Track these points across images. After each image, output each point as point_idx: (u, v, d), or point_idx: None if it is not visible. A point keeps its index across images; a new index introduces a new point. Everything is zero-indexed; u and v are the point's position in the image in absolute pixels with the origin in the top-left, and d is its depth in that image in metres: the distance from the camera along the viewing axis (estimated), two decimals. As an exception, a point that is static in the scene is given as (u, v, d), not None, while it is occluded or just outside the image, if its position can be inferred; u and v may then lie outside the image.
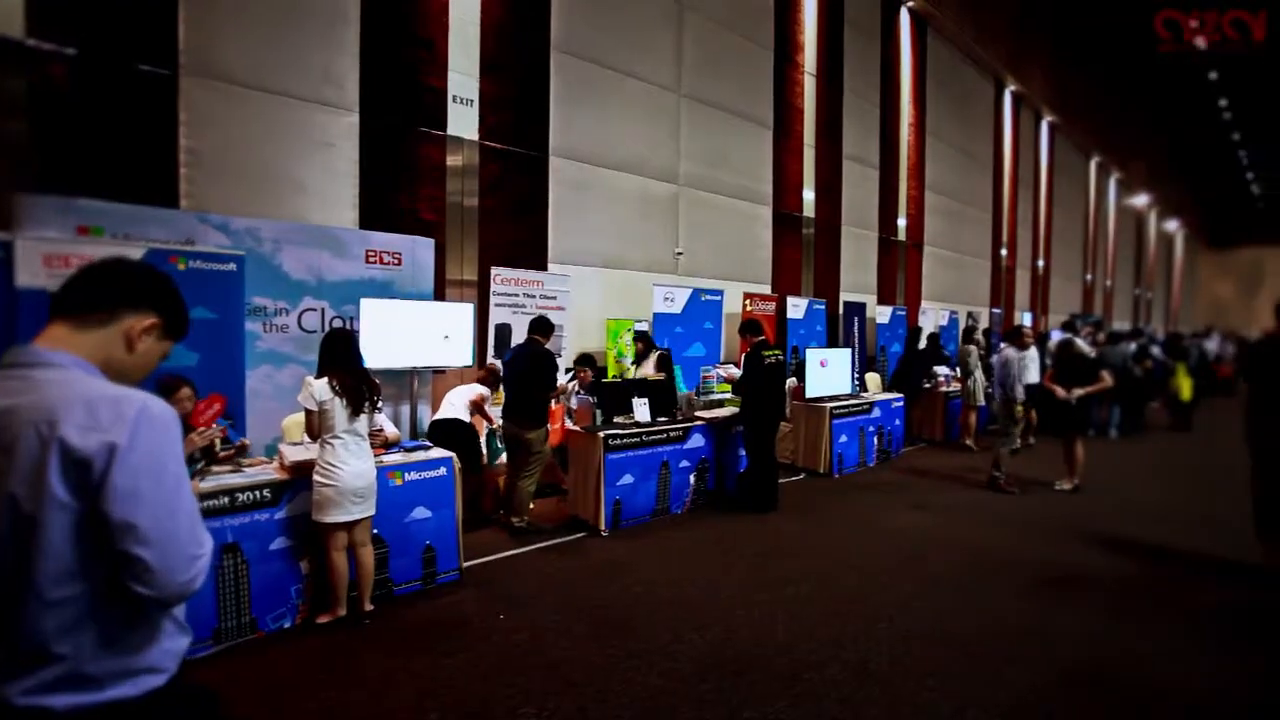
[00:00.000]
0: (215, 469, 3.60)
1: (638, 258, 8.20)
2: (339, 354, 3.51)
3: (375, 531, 3.75)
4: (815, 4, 11.02)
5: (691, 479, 5.89)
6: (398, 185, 6.09)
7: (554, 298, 6.54)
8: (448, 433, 5.06)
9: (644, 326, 7.56)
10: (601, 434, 5.24)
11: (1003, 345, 7.10)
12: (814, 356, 7.54)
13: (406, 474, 4.01)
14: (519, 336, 6.05)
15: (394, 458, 4.05)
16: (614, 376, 6.37)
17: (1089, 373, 6.69)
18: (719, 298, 8.33)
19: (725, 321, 8.42)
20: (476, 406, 5.29)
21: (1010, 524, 5.59)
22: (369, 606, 3.63)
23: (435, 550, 4.11)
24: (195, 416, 3.56)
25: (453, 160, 6.42)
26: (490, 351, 6.18)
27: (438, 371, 5.69)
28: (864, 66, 12.38)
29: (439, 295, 6.07)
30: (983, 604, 3.95)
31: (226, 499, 3.33)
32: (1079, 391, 6.55)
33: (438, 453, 4.26)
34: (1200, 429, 11.26)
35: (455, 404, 5.26)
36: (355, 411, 3.47)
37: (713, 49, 9.16)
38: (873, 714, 2.79)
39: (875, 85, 12.74)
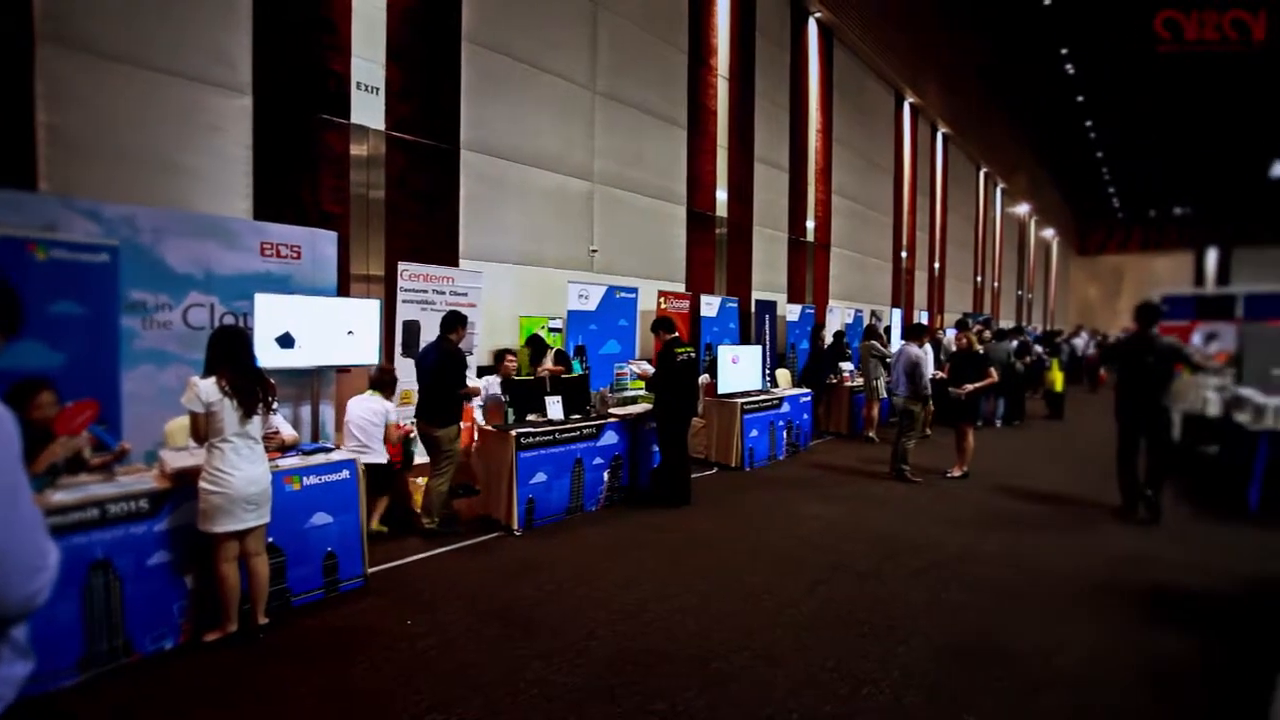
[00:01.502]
0: (84, 477, 3.29)
1: (552, 255, 8.14)
2: (229, 352, 3.29)
3: (270, 540, 3.55)
4: (728, 10, 11.28)
5: (605, 476, 5.91)
6: (297, 174, 5.76)
7: (465, 294, 6.38)
8: (380, 479, 5.00)
9: (558, 324, 7.52)
10: (514, 432, 5.17)
11: (903, 342, 7.53)
12: (726, 353, 7.73)
13: (305, 478, 3.82)
14: (429, 333, 5.87)
15: (291, 461, 3.84)
16: (526, 374, 6.29)
17: (979, 368, 7.23)
18: (634, 295, 8.40)
19: (640, 319, 8.49)
20: (395, 438, 5.11)
21: (907, 511, 5.95)
22: (264, 619, 3.43)
23: (337, 557, 3.93)
24: (62, 423, 3.20)
25: (357, 150, 6.14)
26: (398, 350, 5.96)
27: (342, 370, 5.44)
28: (774, 73, 12.80)
29: (343, 291, 5.81)
30: (881, 587, 4.19)
31: (96, 511, 3.05)
32: (969, 386, 7.08)
33: (339, 455, 4.07)
34: (1070, 418, 12.40)
35: (369, 445, 4.91)
36: (247, 413, 3.27)
37: (628, 48, 9.21)
38: (776, 698, 2.90)
39: (785, 91, 13.21)
